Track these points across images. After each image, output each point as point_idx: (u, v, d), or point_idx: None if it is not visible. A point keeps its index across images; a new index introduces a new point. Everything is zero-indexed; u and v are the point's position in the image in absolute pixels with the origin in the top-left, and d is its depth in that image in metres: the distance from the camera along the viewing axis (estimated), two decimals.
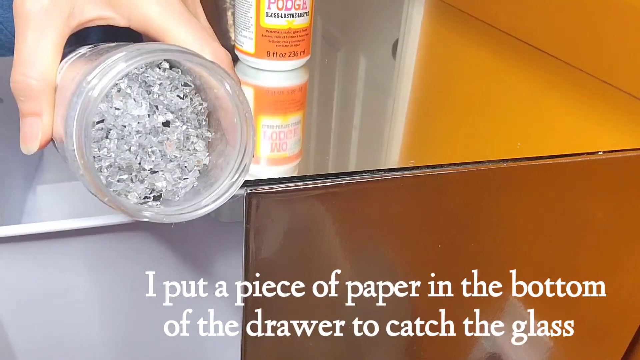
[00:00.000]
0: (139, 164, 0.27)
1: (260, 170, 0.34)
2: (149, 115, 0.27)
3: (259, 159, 0.35)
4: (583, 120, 0.43)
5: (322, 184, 0.32)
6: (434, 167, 0.34)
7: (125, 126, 0.27)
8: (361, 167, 0.33)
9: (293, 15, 0.45)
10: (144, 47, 0.25)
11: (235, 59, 0.49)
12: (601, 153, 0.37)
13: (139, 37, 0.31)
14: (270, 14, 0.45)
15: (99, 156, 0.26)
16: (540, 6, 0.57)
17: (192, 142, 0.29)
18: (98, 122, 0.26)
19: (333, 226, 0.34)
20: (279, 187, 0.31)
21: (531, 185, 0.37)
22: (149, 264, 0.39)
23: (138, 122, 0.27)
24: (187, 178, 0.29)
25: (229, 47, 0.51)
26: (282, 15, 0.45)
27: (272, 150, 0.36)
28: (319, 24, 0.64)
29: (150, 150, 0.27)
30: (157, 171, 0.28)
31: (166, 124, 0.28)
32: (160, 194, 0.28)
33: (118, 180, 0.27)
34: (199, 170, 0.29)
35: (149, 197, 0.28)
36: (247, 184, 0.31)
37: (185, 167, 0.29)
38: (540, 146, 0.38)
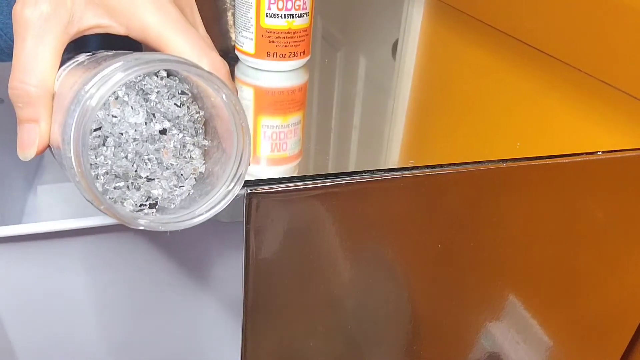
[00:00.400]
0: (136, 171, 0.27)
1: (260, 170, 0.34)
2: (146, 123, 0.27)
3: (259, 159, 0.35)
4: (582, 120, 0.43)
5: (322, 184, 0.32)
6: (433, 167, 0.34)
7: (122, 134, 0.27)
8: (361, 167, 0.33)
9: (293, 16, 0.45)
10: (142, 57, 0.25)
11: (235, 60, 0.49)
12: (600, 153, 0.37)
13: (138, 45, 0.31)
14: (270, 15, 0.45)
15: (96, 163, 0.26)
16: (540, 6, 0.57)
17: (189, 150, 0.29)
18: (95, 130, 0.26)
19: (333, 226, 0.34)
20: (279, 187, 0.31)
21: (531, 185, 0.37)
22: (149, 264, 0.39)
23: (135, 130, 0.27)
24: (183, 186, 0.29)
25: (229, 47, 0.51)
26: (282, 15, 0.45)
27: (272, 150, 0.36)
28: (319, 24, 0.64)
29: (146, 157, 0.28)
30: (154, 179, 0.28)
31: (163, 131, 0.28)
32: (156, 202, 0.28)
33: (114, 188, 0.27)
34: (195, 178, 0.29)
35: (145, 205, 0.28)
36: (247, 184, 0.31)
37: (182, 175, 0.29)
38: (539, 146, 0.38)
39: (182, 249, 0.40)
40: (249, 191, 0.31)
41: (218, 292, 0.43)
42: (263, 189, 0.31)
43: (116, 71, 0.24)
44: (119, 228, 0.37)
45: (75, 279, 0.38)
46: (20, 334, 0.40)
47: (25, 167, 0.71)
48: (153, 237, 0.38)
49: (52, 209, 0.70)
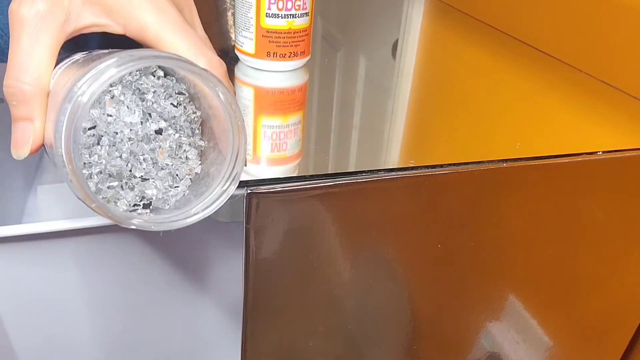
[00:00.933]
0: (130, 171, 0.27)
1: (260, 170, 0.34)
2: (141, 122, 0.27)
3: (259, 159, 0.35)
4: (583, 120, 0.43)
5: (322, 184, 0.32)
6: (433, 167, 0.34)
7: (117, 133, 0.27)
8: (361, 167, 0.33)
9: (293, 16, 0.45)
10: (136, 54, 0.25)
11: (235, 60, 0.49)
12: (600, 153, 0.37)
13: (138, 45, 0.31)
14: (270, 15, 0.45)
15: (90, 162, 0.26)
16: (540, 7, 0.57)
17: (185, 151, 0.29)
18: (90, 129, 0.26)
19: (333, 226, 0.34)
20: (279, 187, 0.31)
21: (531, 185, 0.37)
22: (149, 264, 0.39)
23: (130, 129, 0.27)
24: (178, 186, 0.29)
25: (229, 47, 0.51)
26: (282, 15, 0.45)
27: (272, 150, 0.36)
28: (319, 24, 0.64)
29: (141, 157, 0.27)
30: (148, 179, 0.28)
31: (159, 131, 0.28)
32: (150, 202, 0.28)
33: (108, 187, 0.27)
34: (190, 178, 0.29)
35: (139, 205, 0.28)
36: (247, 184, 0.31)
37: (177, 175, 0.29)
38: (539, 146, 0.38)
39: (183, 249, 0.40)
40: (249, 191, 0.31)
41: (218, 292, 0.43)
42: (263, 189, 0.31)
43: (109, 67, 0.24)
44: (120, 228, 0.37)
45: (75, 279, 0.38)
46: (20, 334, 0.40)
47: (25, 167, 0.71)
48: (154, 237, 0.38)
49: (52, 209, 0.69)
